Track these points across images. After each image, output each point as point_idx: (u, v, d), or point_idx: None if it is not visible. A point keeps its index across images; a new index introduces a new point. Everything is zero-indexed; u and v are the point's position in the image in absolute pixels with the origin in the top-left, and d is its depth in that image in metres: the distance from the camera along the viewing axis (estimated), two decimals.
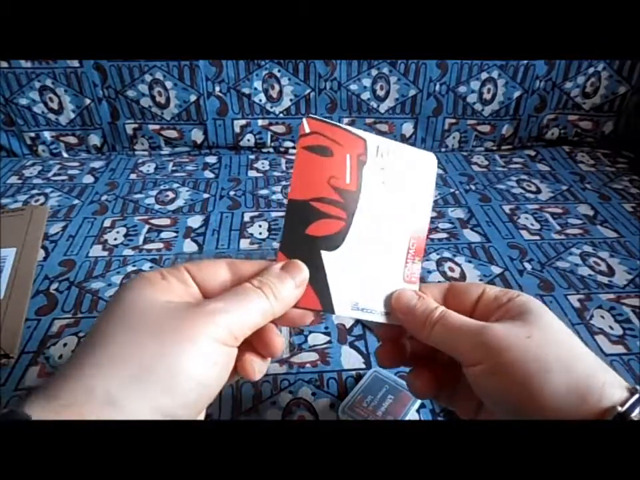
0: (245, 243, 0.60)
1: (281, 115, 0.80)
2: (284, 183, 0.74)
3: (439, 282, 0.54)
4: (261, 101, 0.79)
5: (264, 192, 0.72)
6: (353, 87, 0.78)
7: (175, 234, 0.62)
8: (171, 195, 0.70)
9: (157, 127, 0.79)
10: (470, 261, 0.58)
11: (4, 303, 0.49)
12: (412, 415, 0.39)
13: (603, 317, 0.49)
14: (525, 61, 0.77)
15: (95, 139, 0.81)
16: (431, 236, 0.62)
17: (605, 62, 0.78)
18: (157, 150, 0.82)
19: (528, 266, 0.57)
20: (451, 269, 0.56)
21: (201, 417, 0.25)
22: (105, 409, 0.19)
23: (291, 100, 0.79)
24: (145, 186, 0.73)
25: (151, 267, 0.56)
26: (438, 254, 0.59)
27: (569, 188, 0.73)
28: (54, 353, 0.45)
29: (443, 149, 0.85)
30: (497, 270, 0.56)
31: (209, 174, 0.76)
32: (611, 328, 0.48)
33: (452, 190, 0.73)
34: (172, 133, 0.80)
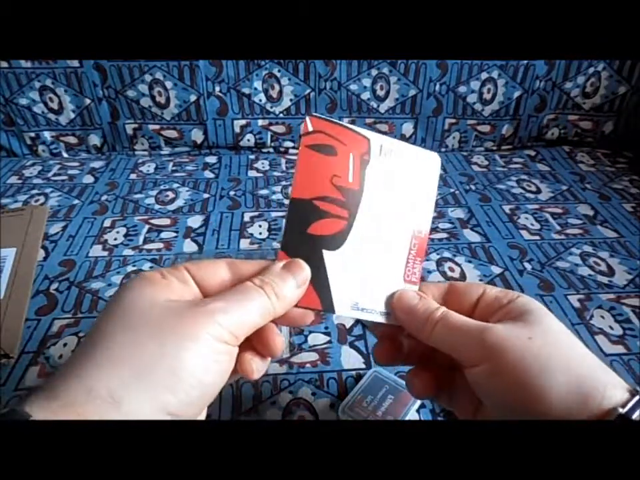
0: (245, 243, 0.60)
1: (281, 115, 0.80)
2: (284, 182, 0.74)
3: (438, 282, 0.54)
4: (260, 101, 0.79)
5: (264, 192, 0.72)
6: (353, 86, 0.78)
7: (174, 234, 0.62)
8: (170, 194, 0.70)
9: (157, 126, 0.79)
10: (470, 261, 0.58)
11: (4, 303, 0.49)
12: (412, 415, 0.39)
13: (602, 317, 0.49)
14: (525, 61, 0.77)
15: (94, 139, 0.81)
16: (431, 236, 0.62)
17: (605, 62, 0.78)
18: (157, 150, 0.82)
19: (528, 266, 0.57)
20: (451, 269, 0.56)
21: (202, 416, 0.25)
22: (107, 408, 0.19)
23: (290, 100, 0.79)
24: (144, 186, 0.73)
25: (150, 267, 0.56)
26: (438, 254, 0.59)
27: (568, 188, 0.73)
28: (54, 352, 0.45)
29: (443, 149, 0.85)
30: (497, 270, 0.56)
31: (209, 174, 0.76)
32: (611, 328, 0.48)
33: (452, 190, 0.73)
34: (172, 133, 0.80)
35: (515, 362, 0.23)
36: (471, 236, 0.62)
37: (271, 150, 0.83)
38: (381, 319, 0.29)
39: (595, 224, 0.64)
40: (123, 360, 0.21)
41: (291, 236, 0.27)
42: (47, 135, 0.79)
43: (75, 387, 0.20)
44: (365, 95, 0.79)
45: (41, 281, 0.53)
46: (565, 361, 0.24)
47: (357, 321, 0.49)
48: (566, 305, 0.51)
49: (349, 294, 0.28)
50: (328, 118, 0.28)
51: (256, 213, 0.66)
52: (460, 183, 0.75)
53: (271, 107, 0.79)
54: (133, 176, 0.75)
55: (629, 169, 0.78)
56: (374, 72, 0.77)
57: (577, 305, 0.51)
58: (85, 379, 0.20)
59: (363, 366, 0.44)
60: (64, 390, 0.20)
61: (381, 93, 0.79)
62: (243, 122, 0.80)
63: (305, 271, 0.26)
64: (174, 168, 0.78)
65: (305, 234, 0.27)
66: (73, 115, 0.78)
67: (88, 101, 0.77)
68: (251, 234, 0.62)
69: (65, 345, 0.46)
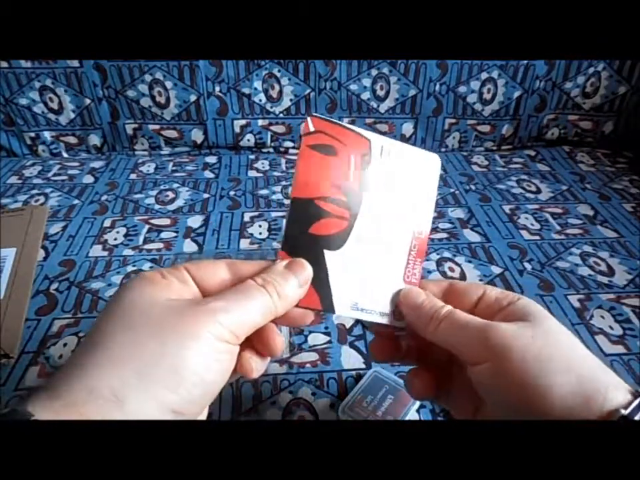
0: (245, 243, 0.60)
1: (281, 115, 0.80)
2: (284, 182, 0.74)
3: (438, 279, 0.53)
4: (261, 100, 0.79)
5: (264, 192, 0.72)
6: (353, 86, 0.78)
7: (175, 234, 0.62)
8: (170, 195, 0.70)
9: (157, 126, 0.79)
10: (470, 261, 0.58)
11: (4, 303, 0.49)
12: (412, 415, 0.39)
13: (603, 317, 0.49)
14: (525, 61, 0.77)
15: (94, 139, 0.81)
16: (431, 236, 0.61)
17: (605, 62, 0.78)
18: (157, 150, 0.82)
19: (528, 266, 0.57)
20: (451, 269, 0.56)
21: (203, 415, 0.25)
22: (109, 408, 0.19)
23: (290, 100, 0.79)
24: (144, 186, 0.73)
25: (150, 267, 0.56)
26: (438, 254, 0.59)
27: (569, 188, 0.73)
28: (54, 352, 0.45)
29: (443, 149, 0.85)
30: (497, 270, 0.56)
31: (209, 174, 0.76)
32: (611, 328, 0.48)
33: (452, 190, 0.73)
34: (172, 133, 0.80)
35: (519, 361, 0.23)
36: (471, 236, 0.62)
37: (271, 150, 0.83)
38: (380, 320, 0.29)
39: (595, 224, 0.64)
40: (123, 360, 0.21)
41: (292, 235, 0.27)
42: (47, 135, 0.79)
43: (76, 386, 0.20)
44: (365, 95, 0.79)
45: (41, 281, 0.53)
46: (566, 361, 0.24)
47: (357, 321, 0.49)
48: (566, 305, 0.51)
49: (349, 294, 0.28)
50: (329, 118, 0.28)
51: (256, 213, 0.66)
52: (460, 183, 0.75)
53: (271, 107, 0.79)
54: (132, 176, 0.75)
55: (629, 169, 0.78)
56: (374, 72, 0.77)
57: (576, 304, 0.51)
58: (86, 379, 0.20)
59: (363, 366, 0.44)
60: (66, 390, 0.20)
61: (380, 93, 0.79)
62: (243, 122, 0.80)
63: (307, 270, 0.27)
64: (174, 168, 0.78)
65: (307, 234, 0.27)
66: (72, 115, 0.78)
67: (88, 101, 0.77)
68: (251, 234, 0.62)
69: (65, 344, 0.46)
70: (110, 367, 0.21)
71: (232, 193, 0.71)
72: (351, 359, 0.45)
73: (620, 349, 0.46)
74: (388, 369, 0.43)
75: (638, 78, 0.78)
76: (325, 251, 0.27)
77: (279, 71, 0.76)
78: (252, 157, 0.81)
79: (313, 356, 0.45)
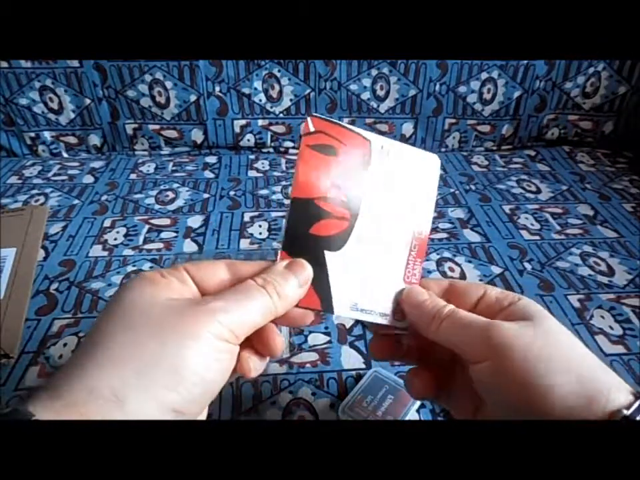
0: (245, 243, 0.60)
1: (281, 115, 0.80)
2: (284, 182, 0.74)
3: (438, 279, 0.53)
4: (261, 101, 0.79)
5: (264, 192, 0.72)
6: (353, 86, 0.78)
7: (174, 234, 0.62)
8: (170, 195, 0.70)
9: (157, 126, 0.79)
10: (470, 261, 0.58)
11: (4, 303, 0.49)
12: (412, 415, 0.39)
13: (603, 317, 0.49)
14: (525, 61, 0.77)
15: (94, 139, 0.81)
16: (431, 236, 0.61)
17: (605, 62, 0.78)
18: (157, 150, 0.82)
19: (528, 266, 0.57)
20: (451, 269, 0.56)
21: (203, 415, 0.25)
22: (110, 408, 0.20)
23: (290, 100, 0.79)
24: (144, 186, 0.73)
25: (150, 267, 0.56)
26: (438, 254, 0.59)
27: (569, 188, 0.73)
28: (54, 352, 0.45)
29: (443, 149, 0.85)
30: (497, 270, 0.56)
31: (209, 174, 0.76)
32: (611, 328, 0.48)
33: (452, 190, 0.73)
34: (172, 133, 0.80)
35: (519, 361, 0.23)
36: (471, 236, 0.62)
37: (271, 150, 0.83)
38: (380, 320, 0.29)
39: (595, 224, 0.64)
40: (124, 359, 0.21)
41: (292, 236, 0.27)
42: (47, 134, 0.79)
43: (76, 386, 0.20)
44: (365, 95, 0.79)
45: (41, 281, 0.53)
46: (566, 362, 0.24)
47: (357, 321, 0.49)
48: (566, 305, 0.51)
49: (349, 295, 0.28)
50: (329, 118, 0.28)
51: (256, 213, 0.66)
52: (460, 183, 0.75)
53: (271, 107, 0.79)
54: (133, 176, 0.75)
55: (629, 169, 0.78)
56: (374, 72, 0.77)
57: (576, 304, 0.51)
58: (86, 378, 0.20)
59: (363, 366, 0.44)
60: (67, 390, 0.20)
61: (380, 93, 0.79)
62: (243, 122, 0.80)
63: (307, 270, 0.27)
64: (174, 168, 0.78)
65: (307, 234, 0.27)
66: (72, 115, 0.78)
67: (88, 101, 0.77)
68: (251, 234, 0.62)
69: (65, 344, 0.46)
70: (110, 366, 0.21)
71: (232, 192, 0.71)
72: (350, 358, 0.45)
73: (620, 349, 0.46)
74: (388, 368, 0.43)
75: (638, 78, 0.78)
76: (326, 252, 0.27)
77: (279, 71, 0.76)
78: (252, 157, 0.81)
79: (313, 356, 0.45)
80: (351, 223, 0.28)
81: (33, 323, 0.48)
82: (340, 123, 0.28)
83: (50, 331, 0.47)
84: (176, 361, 0.21)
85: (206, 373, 0.22)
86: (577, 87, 0.80)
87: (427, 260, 0.57)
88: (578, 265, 0.57)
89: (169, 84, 0.76)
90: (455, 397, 0.30)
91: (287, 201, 0.69)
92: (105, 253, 0.58)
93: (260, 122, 0.80)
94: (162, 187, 0.72)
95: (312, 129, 0.27)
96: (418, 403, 0.39)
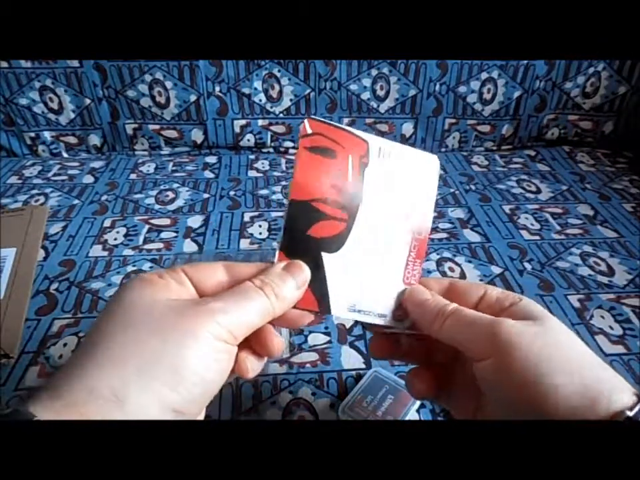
0: (245, 243, 0.60)
1: (281, 115, 0.80)
2: (284, 182, 0.74)
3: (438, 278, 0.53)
4: (261, 101, 0.79)
5: (264, 192, 0.72)
6: (353, 86, 0.78)
7: (174, 234, 0.62)
8: (170, 195, 0.70)
9: (157, 126, 0.79)
10: (470, 261, 0.58)
11: (4, 303, 0.49)
12: (412, 415, 0.39)
13: (603, 317, 0.49)
14: (525, 61, 0.77)
15: (94, 139, 0.81)
16: (431, 236, 0.61)
17: (605, 62, 0.78)
18: (157, 150, 0.82)
19: (528, 266, 0.57)
20: (451, 269, 0.56)
21: (201, 416, 0.25)
22: (110, 407, 0.20)
23: (290, 100, 0.79)
24: (144, 186, 0.73)
25: (151, 267, 0.56)
26: (438, 254, 0.59)
27: (569, 188, 0.73)
28: (54, 352, 0.45)
29: (443, 149, 0.85)
30: (497, 270, 0.56)
31: (209, 174, 0.76)
32: (611, 328, 0.48)
33: (452, 190, 0.73)
34: (172, 133, 0.80)
35: (520, 360, 0.24)
36: (471, 236, 0.62)
37: (271, 150, 0.83)
38: (378, 321, 0.29)
39: (595, 224, 0.64)
40: (124, 359, 0.21)
41: (290, 237, 0.27)
42: (47, 134, 0.79)
43: (76, 386, 0.20)
44: (365, 95, 0.79)
45: (41, 281, 0.53)
46: (566, 361, 0.24)
47: (357, 321, 0.49)
48: (566, 305, 0.51)
49: (347, 296, 0.28)
50: (326, 121, 0.28)
51: (256, 213, 0.66)
52: (460, 183, 0.75)
53: (271, 107, 0.79)
54: (133, 176, 0.75)
55: (629, 169, 0.78)
56: (374, 72, 0.77)
57: (576, 304, 0.51)
58: (86, 379, 0.20)
59: (363, 366, 0.44)
60: (67, 390, 0.20)
61: (381, 93, 0.79)
62: (243, 122, 0.80)
63: (304, 272, 0.27)
64: (174, 168, 0.78)
65: (305, 235, 0.27)
66: (72, 115, 0.78)
67: (88, 101, 0.77)
68: (251, 234, 0.62)
69: (65, 344, 0.46)
70: (110, 366, 0.21)
71: (232, 193, 0.71)
72: (350, 358, 0.45)
73: (620, 348, 0.46)
74: (388, 368, 0.43)
75: (638, 78, 0.78)
76: (323, 254, 0.28)
77: (279, 71, 0.76)
78: (252, 157, 0.81)
79: (313, 356, 0.45)
80: (349, 224, 0.28)
81: (33, 323, 0.48)
82: (337, 124, 0.28)
83: (50, 330, 0.47)
84: (176, 360, 0.21)
85: (205, 373, 0.22)
86: (577, 87, 0.80)
87: (427, 260, 0.57)
88: (578, 265, 0.57)
89: (168, 84, 0.76)
90: (455, 397, 0.30)
91: (286, 201, 0.69)
92: (105, 253, 0.58)
93: (260, 122, 0.80)
94: (162, 187, 0.72)
95: (309, 131, 0.27)
96: (418, 402, 0.39)
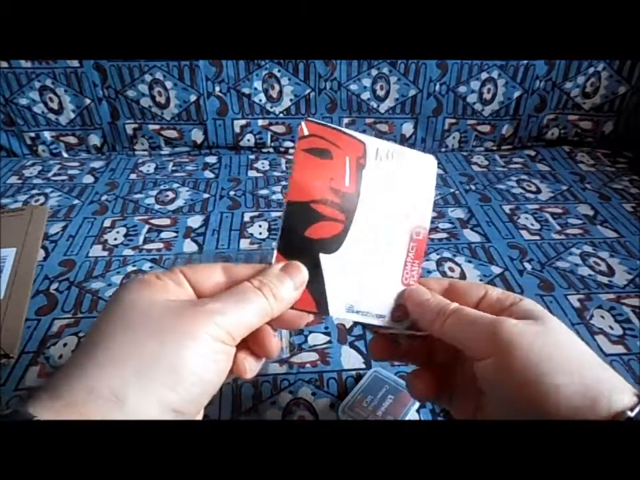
0: (245, 243, 0.60)
1: (281, 115, 0.80)
2: (284, 182, 0.74)
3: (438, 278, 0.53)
4: (261, 101, 0.79)
5: (264, 192, 0.72)
6: (353, 86, 0.78)
7: (174, 234, 0.62)
8: (170, 194, 0.70)
9: (157, 126, 0.79)
10: (470, 261, 0.58)
11: (4, 303, 0.49)
12: (412, 415, 0.39)
13: (603, 317, 0.49)
14: (525, 61, 0.77)
15: (94, 139, 0.81)
16: (431, 236, 0.62)
17: (605, 62, 0.78)
18: (157, 150, 0.82)
19: (528, 266, 0.57)
20: (451, 269, 0.56)
21: (199, 417, 0.25)
22: (109, 408, 0.20)
23: (290, 100, 0.79)
24: (144, 186, 0.73)
25: (151, 267, 0.56)
26: (438, 254, 0.59)
27: (569, 188, 0.73)
28: (54, 352, 0.45)
29: (443, 149, 0.85)
30: (497, 270, 0.56)
31: (209, 174, 0.76)
32: (611, 328, 0.48)
33: (452, 190, 0.73)
34: (172, 133, 0.80)
35: (521, 359, 0.24)
36: (471, 236, 0.62)
37: (271, 150, 0.83)
38: (376, 322, 0.29)
39: (595, 224, 0.64)
40: (123, 359, 0.21)
41: (287, 238, 0.27)
42: (47, 134, 0.79)
43: (76, 386, 0.20)
44: (365, 95, 0.79)
45: (41, 281, 0.53)
46: (567, 361, 0.24)
47: (357, 322, 0.49)
48: (566, 305, 0.51)
49: (345, 296, 0.28)
50: (323, 122, 0.28)
51: (256, 213, 0.66)
52: (460, 183, 0.75)
53: (271, 107, 0.79)
54: (133, 176, 0.75)
55: (629, 169, 0.78)
56: (374, 72, 0.77)
57: (577, 304, 0.51)
58: (86, 379, 0.20)
59: (363, 366, 0.44)
60: (67, 390, 0.20)
61: (381, 93, 0.79)
62: (243, 122, 0.80)
63: (302, 273, 0.27)
64: (174, 168, 0.78)
65: (303, 237, 0.27)
66: (72, 115, 0.78)
67: (88, 101, 0.77)
68: (251, 234, 0.62)
69: (65, 344, 0.46)
70: (110, 366, 0.21)
71: (232, 192, 0.71)
72: (350, 358, 0.45)
73: (620, 348, 0.46)
74: (388, 368, 0.43)
75: (638, 78, 0.78)
76: (321, 254, 0.28)
77: (279, 71, 0.76)
78: (252, 157, 0.81)
79: (313, 356, 0.45)
80: (346, 225, 0.28)
81: (33, 323, 0.48)
82: (334, 126, 0.28)
83: (50, 330, 0.47)
84: (175, 360, 0.21)
85: (204, 373, 0.22)
86: (577, 87, 0.80)
87: (427, 260, 0.57)
88: (578, 265, 0.57)
89: (168, 84, 0.76)
90: (456, 397, 0.30)
91: (284, 202, 0.69)
92: (105, 253, 0.58)
93: (260, 122, 0.80)
94: (162, 187, 0.72)
95: (306, 132, 0.27)
96: (418, 403, 0.39)
